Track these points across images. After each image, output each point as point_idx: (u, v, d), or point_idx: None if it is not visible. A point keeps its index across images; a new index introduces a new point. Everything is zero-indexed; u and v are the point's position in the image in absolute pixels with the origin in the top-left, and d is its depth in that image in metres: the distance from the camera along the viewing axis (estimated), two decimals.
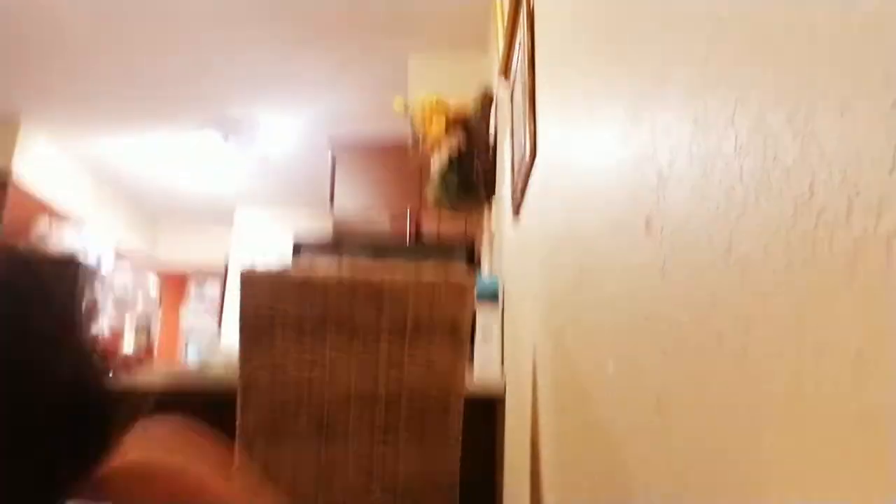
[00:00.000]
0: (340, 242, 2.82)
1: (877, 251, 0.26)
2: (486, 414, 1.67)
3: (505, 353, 1.74)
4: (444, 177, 2.32)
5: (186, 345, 6.04)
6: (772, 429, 0.34)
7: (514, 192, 1.53)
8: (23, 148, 4.19)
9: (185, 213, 5.73)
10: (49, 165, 4.45)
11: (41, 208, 4.32)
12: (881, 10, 0.27)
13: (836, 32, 0.30)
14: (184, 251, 5.90)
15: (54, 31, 3.21)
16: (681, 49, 0.49)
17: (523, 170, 1.35)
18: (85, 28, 3.18)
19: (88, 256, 3.30)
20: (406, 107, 2.48)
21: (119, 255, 5.11)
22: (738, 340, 0.38)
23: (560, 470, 0.93)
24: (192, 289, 6.47)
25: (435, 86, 2.60)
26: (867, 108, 0.27)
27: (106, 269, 3.29)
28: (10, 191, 4.06)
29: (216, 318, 5.40)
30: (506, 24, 1.71)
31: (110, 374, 0.48)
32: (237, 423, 1.16)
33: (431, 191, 2.38)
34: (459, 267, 1.76)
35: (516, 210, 1.53)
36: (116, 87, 3.74)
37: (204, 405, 1.06)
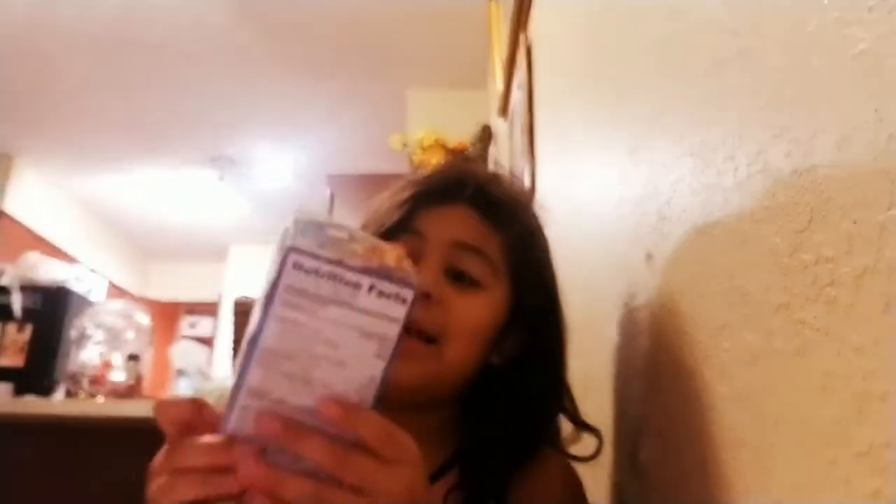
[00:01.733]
0: None
1: (878, 285, 0.26)
2: None
3: None
4: None
5: (178, 376, 5.97)
6: (777, 465, 0.33)
7: None
8: (15, 184, 4.18)
9: (178, 249, 5.70)
10: (41, 201, 4.44)
11: (33, 242, 4.31)
12: (873, 50, 0.27)
13: (831, 70, 0.30)
14: (176, 287, 5.87)
15: (48, 69, 3.23)
16: (679, 86, 0.50)
17: None
18: (78, 67, 3.21)
19: (79, 289, 3.32)
20: (404, 144, 2.51)
21: (111, 290, 5.09)
22: (741, 375, 0.38)
23: None
24: (184, 323, 6.43)
25: (433, 122, 2.64)
26: (864, 143, 0.27)
27: (97, 301, 3.27)
28: (1, 222, 4.06)
29: (208, 352, 5.36)
30: (504, 63, 1.74)
31: None
32: None
33: None
34: None
35: None
36: (110, 125, 3.75)
37: None
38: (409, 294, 0.34)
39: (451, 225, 0.57)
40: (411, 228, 0.57)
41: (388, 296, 0.34)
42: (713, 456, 0.41)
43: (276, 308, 0.32)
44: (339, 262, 0.33)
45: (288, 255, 0.32)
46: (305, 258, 0.32)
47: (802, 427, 0.31)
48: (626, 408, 0.62)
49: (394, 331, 0.34)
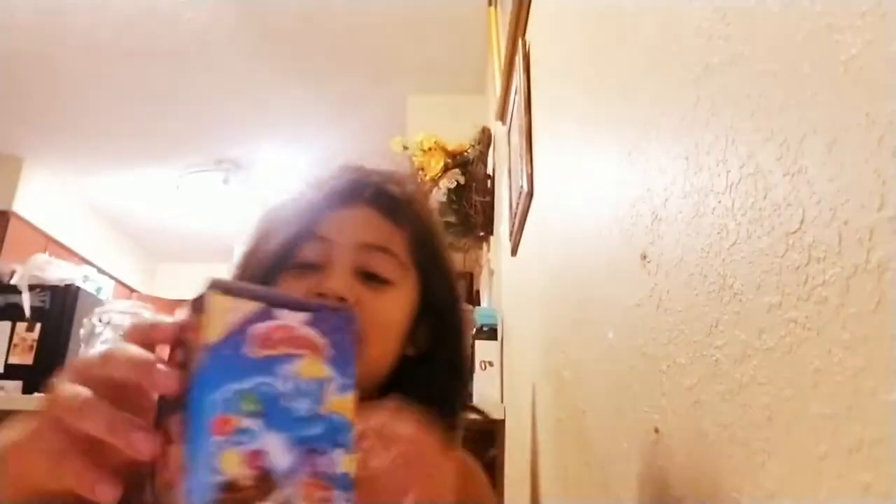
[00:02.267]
0: None
1: (868, 285, 0.27)
2: (485, 442, 1.64)
3: (504, 387, 1.73)
4: (441, 215, 2.34)
5: None
6: (769, 460, 0.34)
7: (511, 231, 1.54)
8: (25, 185, 4.23)
9: (185, 249, 5.73)
10: (50, 202, 4.48)
11: (42, 242, 4.33)
12: (864, 54, 0.28)
13: (822, 74, 0.31)
14: (182, 287, 5.88)
15: (57, 74, 3.27)
16: (672, 90, 0.51)
17: (521, 209, 1.36)
18: (87, 72, 3.24)
19: (87, 288, 3.35)
20: (405, 146, 2.52)
21: (118, 289, 5.10)
22: (733, 372, 0.38)
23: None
24: None
25: (433, 126, 2.64)
26: (854, 145, 0.28)
27: (105, 300, 3.28)
28: (11, 223, 4.08)
29: None
30: (502, 68, 1.75)
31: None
32: None
33: None
34: None
35: (514, 249, 1.54)
36: (117, 129, 3.79)
37: None
38: None
39: (356, 227, 0.58)
40: (316, 235, 0.57)
41: None
42: (706, 451, 0.42)
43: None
44: None
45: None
46: None
47: (794, 423, 0.32)
48: (621, 403, 0.63)
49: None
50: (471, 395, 0.64)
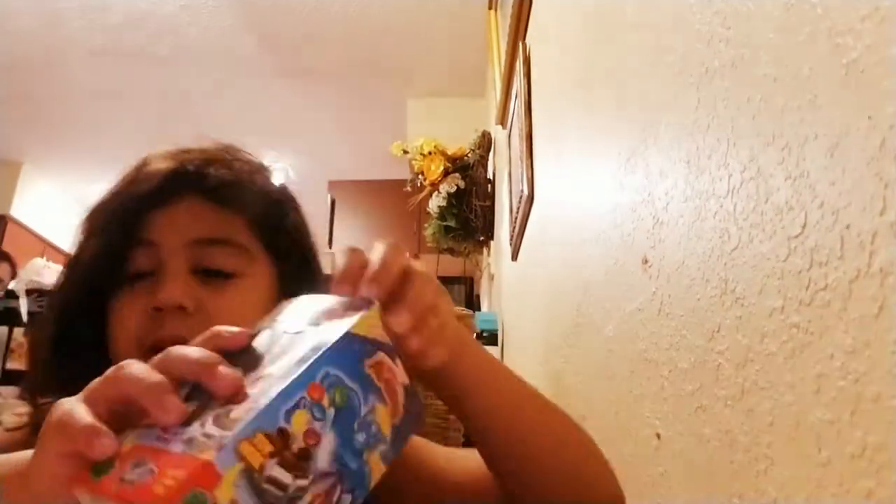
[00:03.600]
0: None
1: (870, 290, 0.26)
2: None
3: None
4: (442, 219, 2.34)
5: None
6: (772, 465, 0.33)
7: (512, 235, 1.54)
8: (23, 190, 4.23)
9: None
10: (49, 207, 4.48)
11: (39, 246, 4.33)
12: (865, 58, 0.28)
13: (823, 78, 0.31)
14: None
15: (56, 78, 3.28)
16: (673, 94, 0.50)
17: (521, 213, 1.36)
18: (86, 76, 3.25)
19: None
20: (405, 150, 2.52)
21: None
22: (735, 377, 0.38)
23: None
24: None
25: (433, 130, 2.65)
26: (856, 149, 0.28)
27: None
28: (9, 228, 4.08)
29: None
30: (502, 72, 1.75)
31: None
32: None
33: (430, 233, 2.40)
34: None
35: (515, 253, 1.54)
36: (116, 133, 3.79)
37: None
38: None
39: (184, 224, 0.53)
40: (141, 240, 0.52)
41: None
42: (709, 456, 0.41)
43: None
44: None
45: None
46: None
47: (796, 428, 0.31)
48: (620, 409, 0.62)
49: None
50: None
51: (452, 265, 3.08)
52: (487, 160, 2.40)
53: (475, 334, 1.76)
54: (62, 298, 0.56)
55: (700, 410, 0.43)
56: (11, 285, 3.11)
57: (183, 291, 0.50)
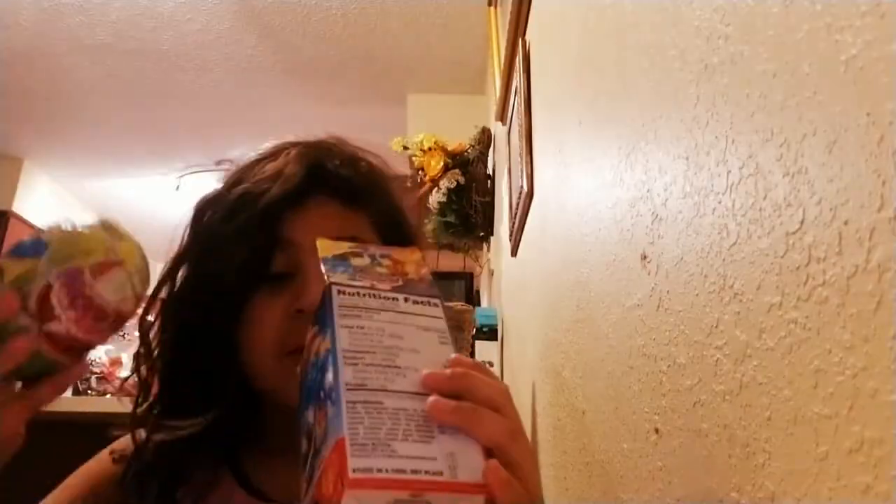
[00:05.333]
0: None
1: (868, 286, 0.27)
2: None
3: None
4: (442, 215, 2.34)
5: None
6: (769, 460, 0.34)
7: (511, 231, 1.54)
8: (25, 186, 4.22)
9: None
10: (50, 203, 4.47)
11: None
12: (865, 54, 0.28)
13: (822, 74, 0.31)
14: None
15: (57, 74, 3.27)
16: (671, 90, 0.50)
17: (521, 209, 1.36)
18: (87, 72, 3.24)
19: None
20: (405, 146, 2.52)
21: None
22: (733, 373, 0.38)
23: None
24: None
25: (433, 126, 2.64)
26: (855, 146, 0.28)
27: None
28: (10, 223, 4.08)
29: None
30: (502, 68, 1.75)
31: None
32: None
33: (430, 229, 2.40)
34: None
35: (514, 249, 1.54)
36: (117, 130, 3.78)
37: None
38: (436, 301, 0.40)
39: (319, 224, 0.54)
40: (282, 241, 0.53)
41: (422, 303, 0.39)
42: (707, 451, 0.42)
43: (338, 320, 0.36)
44: (372, 289, 0.38)
45: (330, 288, 0.37)
46: (345, 288, 0.38)
47: (794, 423, 0.32)
48: (619, 404, 0.63)
49: (442, 323, 0.39)
50: None
51: (452, 261, 3.08)
52: (487, 156, 2.40)
53: (475, 329, 1.76)
54: (186, 302, 0.55)
55: (698, 405, 0.43)
56: None
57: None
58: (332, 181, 0.56)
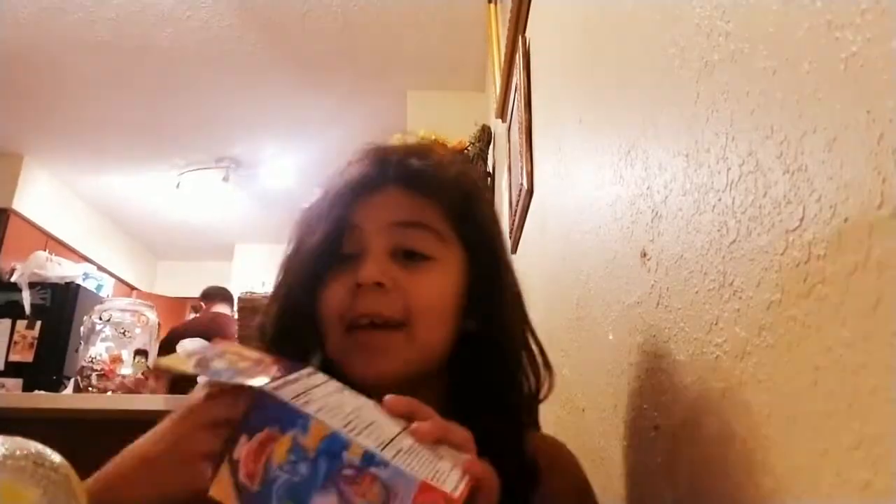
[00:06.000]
0: None
1: (868, 283, 0.27)
2: None
3: None
4: None
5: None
6: (769, 457, 0.34)
7: (511, 228, 1.54)
8: (25, 182, 4.22)
9: (186, 247, 5.73)
10: (51, 199, 4.48)
11: (41, 239, 4.33)
12: (865, 52, 0.28)
13: (822, 72, 0.31)
14: (184, 284, 5.89)
15: (57, 71, 3.27)
16: (672, 88, 0.50)
17: (520, 206, 1.36)
18: (87, 69, 3.24)
19: (87, 286, 3.36)
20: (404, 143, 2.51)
21: (119, 286, 5.11)
22: (733, 370, 0.38)
23: None
24: (191, 318, 6.44)
25: (433, 123, 2.64)
26: (855, 143, 0.28)
27: (105, 298, 3.31)
28: (11, 221, 4.08)
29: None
30: (502, 65, 1.75)
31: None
32: None
33: None
34: None
35: (514, 246, 1.54)
36: (118, 126, 3.78)
37: None
38: (309, 367, 0.44)
39: (384, 208, 0.58)
40: (350, 224, 0.57)
41: (308, 374, 0.44)
42: (706, 448, 0.42)
43: (306, 409, 0.38)
44: (281, 378, 0.40)
45: (264, 392, 0.39)
46: (274, 384, 0.39)
47: (794, 420, 0.32)
48: (619, 401, 0.63)
49: (333, 380, 0.43)
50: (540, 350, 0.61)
51: None
52: (487, 153, 2.40)
53: None
54: (289, 272, 0.61)
55: (698, 402, 0.43)
56: (14, 278, 3.11)
57: (381, 270, 0.54)
58: (401, 171, 0.59)
